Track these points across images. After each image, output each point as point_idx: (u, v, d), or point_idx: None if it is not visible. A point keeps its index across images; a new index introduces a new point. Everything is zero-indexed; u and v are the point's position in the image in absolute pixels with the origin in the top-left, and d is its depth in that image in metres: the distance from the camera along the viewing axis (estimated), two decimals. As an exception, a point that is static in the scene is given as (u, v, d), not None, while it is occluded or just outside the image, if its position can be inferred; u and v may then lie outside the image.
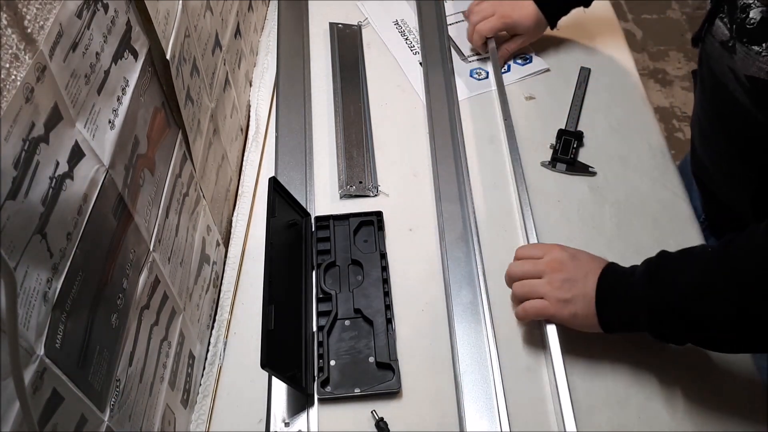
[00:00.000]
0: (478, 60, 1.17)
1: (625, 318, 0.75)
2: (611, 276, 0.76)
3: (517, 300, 0.82)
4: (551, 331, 0.79)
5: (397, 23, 1.24)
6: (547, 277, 0.78)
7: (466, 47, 1.18)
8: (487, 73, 1.14)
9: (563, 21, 1.15)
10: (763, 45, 0.71)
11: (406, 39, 1.21)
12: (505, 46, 1.13)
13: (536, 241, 0.89)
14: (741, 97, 0.77)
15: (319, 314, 0.85)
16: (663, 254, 0.74)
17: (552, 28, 1.13)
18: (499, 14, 1.11)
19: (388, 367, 0.80)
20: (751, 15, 0.72)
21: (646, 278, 0.72)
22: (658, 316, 0.71)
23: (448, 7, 1.25)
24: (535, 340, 0.83)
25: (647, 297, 0.71)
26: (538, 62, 1.15)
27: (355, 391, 0.78)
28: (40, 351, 0.45)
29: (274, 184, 0.85)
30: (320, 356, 0.81)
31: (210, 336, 0.85)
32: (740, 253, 0.67)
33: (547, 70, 1.14)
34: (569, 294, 0.76)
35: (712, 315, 0.68)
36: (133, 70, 0.63)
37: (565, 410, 0.73)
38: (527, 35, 1.13)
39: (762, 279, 0.64)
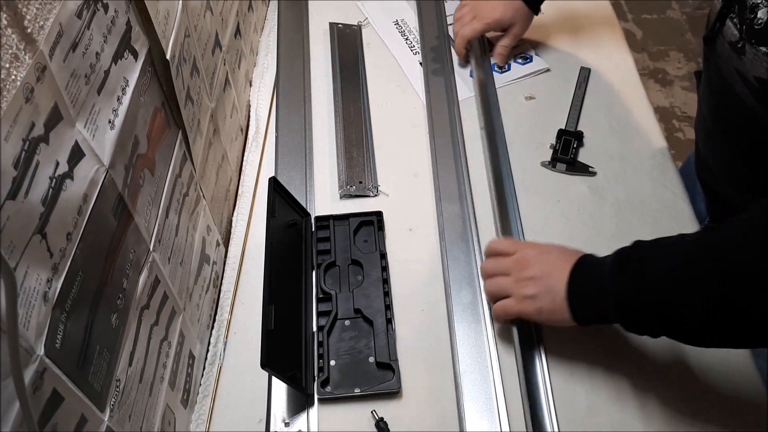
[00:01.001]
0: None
1: (597, 310, 0.73)
2: (584, 268, 0.75)
3: (489, 299, 0.83)
4: (515, 332, 0.81)
5: (397, 23, 1.24)
6: (513, 275, 0.79)
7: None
8: (487, 73, 1.14)
9: (563, 21, 1.15)
10: None
11: (407, 39, 1.21)
12: (501, 43, 1.13)
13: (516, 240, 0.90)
14: (748, 99, 0.76)
15: (319, 314, 0.85)
16: (636, 244, 0.72)
17: (536, 14, 1.12)
18: (479, 17, 1.11)
19: (388, 367, 0.80)
20: (759, 15, 0.71)
21: (615, 269, 0.71)
22: (628, 308, 0.70)
23: (448, 7, 1.25)
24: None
25: (616, 289, 0.70)
26: (538, 62, 1.15)
27: (355, 391, 0.78)
28: (40, 351, 0.45)
29: (274, 184, 0.85)
30: (320, 356, 0.81)
31: (210, 336, 0.85)
32: (721, 244, 0.65)
33: (548, 69, 1.14)
34: (533, 290, 0.76)
35: (687, 307, 0.66)
36: (133, 70, 0.63)
37: (524, 412, 0.76)
38: (516, 28, 1.12)
39: (742, 269, 0.62)
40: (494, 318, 0.83)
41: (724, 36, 0.78)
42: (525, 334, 0.82)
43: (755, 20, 0.71)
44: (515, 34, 1.13)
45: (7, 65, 0.43)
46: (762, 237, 0.62)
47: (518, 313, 0.79)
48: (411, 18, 1.24)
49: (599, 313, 0.73)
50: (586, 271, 0.74)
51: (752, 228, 0.64)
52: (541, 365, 0.80)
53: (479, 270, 0.87)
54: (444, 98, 1.09)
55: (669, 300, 0.67)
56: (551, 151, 1.02)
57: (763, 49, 0.71)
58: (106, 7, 0.57)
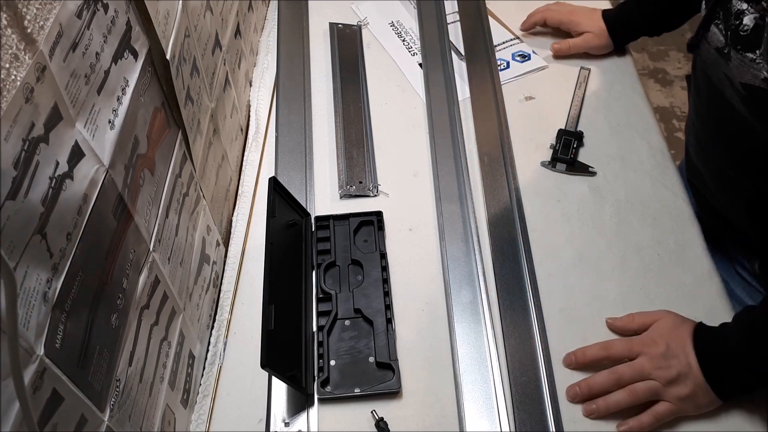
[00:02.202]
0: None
1: (742, 387, 0.74)
2: (711, 349, 0.74)
3: (613, 387, 0.77)
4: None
5: (393, 24, 1.23)
6: (656, 375, 0.75)
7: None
8: (487, 73, 1.14)
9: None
10: (757, 52, 0.70)
11: (404, 40, 1.21)
12: (569, 40, 1.14)
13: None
14: (737, 104, 0.76)
15: (319, 314, 0.85)
16: (750, 310, 0.74)
17: (615, 48, 1.13)
18: (570, 14, 1.13)
19: (388, 367, 0.80)
20: (744, 21, 0.71)
21: (746, 343, 0.72)
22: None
23: (448, 7, 1.25)
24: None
25: (753, 363, 0.71)
26: (536, 60, 1.16)
27: (355, 391, 0.78)
28: (40, 351, 0.45)
29: (274, 184, 0.85)
30: (320, 356, 0.81)
31: (210, 336, 0.85)
32: None
33: (546, 66, 1.14)
34: (686, 391, 0.74)
35: None
36: (133, 70, 0.63)
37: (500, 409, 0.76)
38: (589, 40, 1.13)
39: None
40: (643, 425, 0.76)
41: (710, 42, 0.78)
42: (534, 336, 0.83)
43: (741, 26, 0.71)
44: (583, 43, 1.13)
45: (7, 65, 0.43)
46: None
47: (679, 414, 0.76)
48: (407, 19, 1.24)
49: (745, 388, 0.75)
50: (715, 353, 0.74)
51: None
52: (542, 364, 0.80)
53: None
54: (444, 98, 1.09)
55: None
56: (551, 151, 1.02)
57: (750, 55, 0.71)
58: (106, 7, 0.57)
